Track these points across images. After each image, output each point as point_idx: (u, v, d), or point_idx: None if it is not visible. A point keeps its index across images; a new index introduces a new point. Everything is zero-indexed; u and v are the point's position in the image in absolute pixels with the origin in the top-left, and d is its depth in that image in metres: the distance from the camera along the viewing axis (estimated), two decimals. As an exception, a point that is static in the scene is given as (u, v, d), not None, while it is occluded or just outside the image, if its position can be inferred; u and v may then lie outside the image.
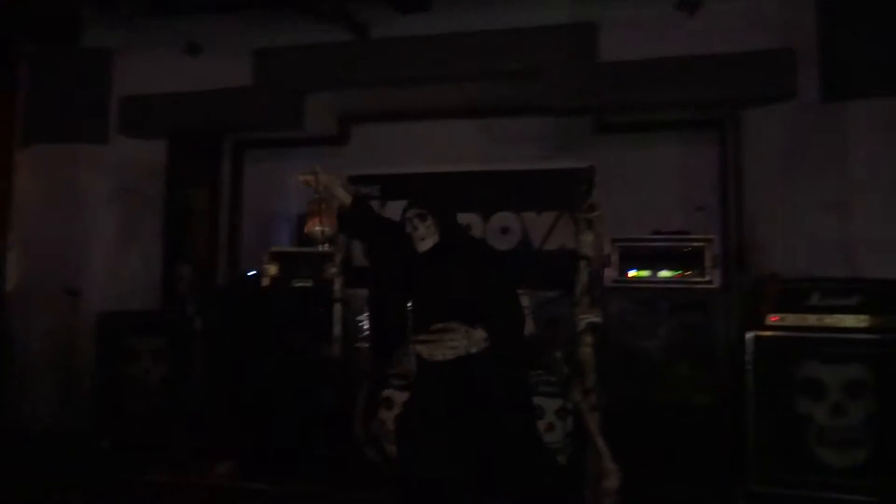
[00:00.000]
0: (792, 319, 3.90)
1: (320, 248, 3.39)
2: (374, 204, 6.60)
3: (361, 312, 5.35)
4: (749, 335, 3.88)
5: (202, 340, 4.88)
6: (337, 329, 5.54)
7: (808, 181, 4.64)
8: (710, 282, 4.10)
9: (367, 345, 5.30)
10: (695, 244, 4.16)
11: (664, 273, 4.18)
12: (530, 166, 6.26)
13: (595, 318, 2.15)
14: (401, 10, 5.34)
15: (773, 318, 3.92)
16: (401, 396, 4.56)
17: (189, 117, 5.76)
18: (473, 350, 2.45)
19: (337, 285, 5.67)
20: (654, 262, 4.22)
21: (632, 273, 4.21)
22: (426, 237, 2.89)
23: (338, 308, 5.58)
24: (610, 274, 4.19)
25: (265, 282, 5.62)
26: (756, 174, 4.99)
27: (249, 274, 6.06)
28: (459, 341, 2.43)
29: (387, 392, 4.63)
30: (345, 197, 2.96)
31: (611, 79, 5.10)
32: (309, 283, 5.60)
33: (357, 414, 4.62)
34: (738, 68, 4.87)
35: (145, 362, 4.94)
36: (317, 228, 3.20)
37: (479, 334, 2.45)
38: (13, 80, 5.81)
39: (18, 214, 5.71)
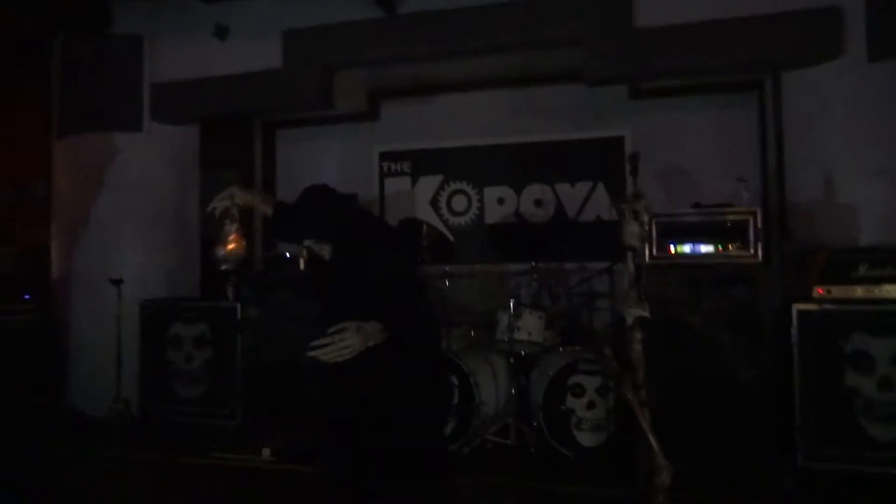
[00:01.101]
0: (838, 291, 3.80)
1: (223, 269, 3.48)
2: (406, 180, 6.63)
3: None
4: (795, 308, 3.79)
5: (242, 325, 4.94)
6: (374, 308, 5.59)
7: (854, 146, 4.47)
8: (753, 255, 4.01)
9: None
10: (738, 217, 4.06)
11: (705, 248, 4.09)
12: (562, 136, 6.18)
13: (643, 313, 2.10)
14: (428, -17, 5.23)
15: (819, 291, 3.82)
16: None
17: (220, 101, 5.75)
18: (371, 343, 2.53)
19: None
20: (694, 236, 4.13)
21: (672, 248, 4.13)
22: (323, 252, 2.90)
23: (374, 288, 5.62)
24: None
25: (302, 264, 5.67)
26: (798, 140, 4.82)
27: (285, 256, 6.12)
28: (352, 339, 2.51)
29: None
30: (267, 209, 3.00)
31: (647, 45, 4.93)
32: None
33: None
34: (779, 28, 4.67)
35: (188, 347, 5.03)
36: (228, 249, 3.26)
37: (374, 326, 2.53)
38: (47, 71, 5.85)
39: (59, 205, 5.80)
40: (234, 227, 3.25)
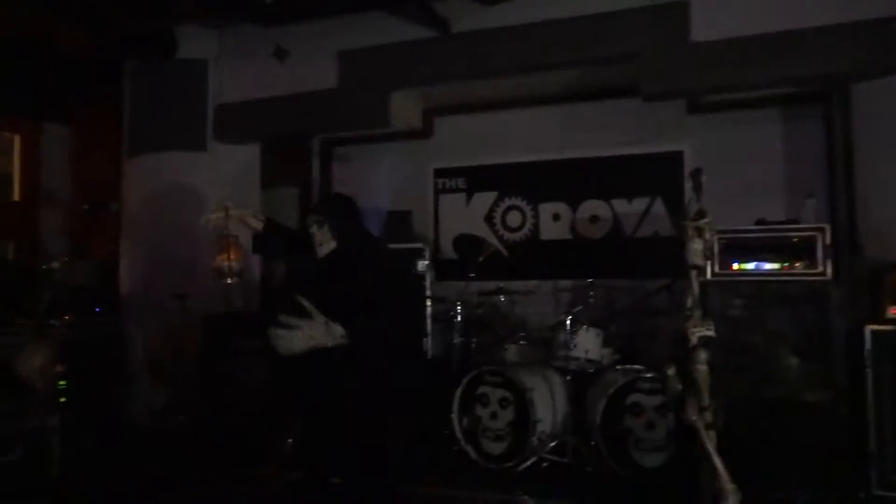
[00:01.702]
0: (916, 311, 3.64)
1: (228, 282, 3.63)
2: (460, 196, 6.66)
3: (453, 308, 5.38)
4: (868, 329, 3.65)
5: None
6: (429, 325, 5.63)
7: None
8: (822, 273, 3.87)
9: (459, 340, 5.34)
10: (805, 234, 3.93)
11: (770, 265, 3.98)
12: (619, 152, 6.11)
13: (708, 332, 2.06)
14: (483, 2, 5.28)
15: (893, 311, 3.67)
16: (496, 393, 4.59)
17: (279, 121, 5.92)
18: (330, 343, 2.64)
19: (428, 281, 5.75)
20: (759, 253, 4.03)
21: (735, 266, 4.03)
22: (323, 242, 3.03)
23: (429, 304, 5.66)
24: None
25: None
26: (868, 153, 4.65)
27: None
28: (318, 330, 2.61)
29: (483, 388, 4.65)
30: (258, 224, 3.11)
31: (703, 60, 4.87)
32: (401, 280, 5.68)
33: (454, 410, 4.67)
34: (844, 40, 4.54)
35: (249, 361, 5.14)
36: (225, 264, 3.40)
37: (338, 330, 2.64)
38: (119, 95, 6.13)
39: (128, 223, 6.04)
40: (228, 241, 3.42)
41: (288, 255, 3.45)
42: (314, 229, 3.02)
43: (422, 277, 5.74)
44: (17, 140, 6.87)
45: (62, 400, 4.44)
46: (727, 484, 2.01)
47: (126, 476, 4.59)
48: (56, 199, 6.78)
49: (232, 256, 3.50)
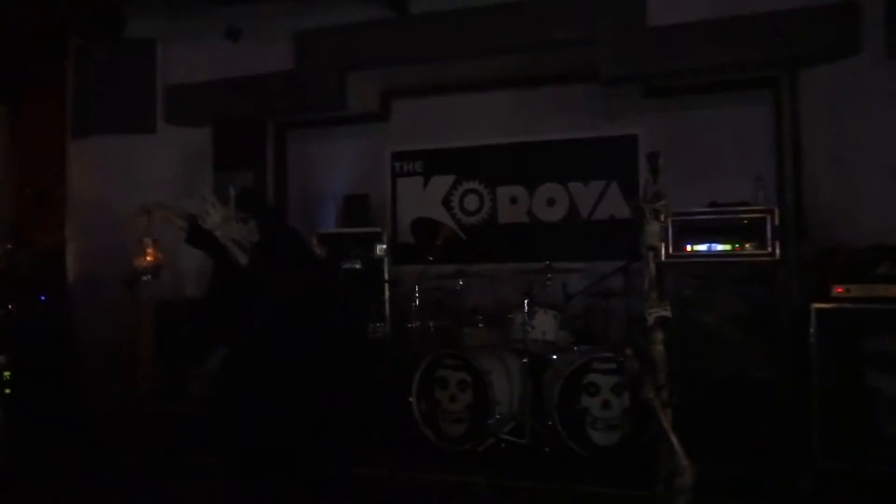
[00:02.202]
0: (858, 290, 3.76)
1: (144, 279, 3.77)
2: (418, 180, 6.62)
3: (411, 292, 5.37)
4: (813, 307, 3.77)
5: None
6: (387, 309, 5.61)
7: (873, 144, 4.43)
8: (771, 253, 3.97)
9: (417, 324, 5.33)
10: (754, 215, 4.03)
11: (721, 247, 4.06)
12: (575, 135, 6.16)
13: (665, 313, 2.09)
14: (440, -17, 5.23)
15: (838, 290, 3.79)
16: (455, 376, 4.60)
17: (232, 103, 5.79)
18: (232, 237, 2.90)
19: (386, 265, 5.72)
20: (711, 234, 4.10)
21: (688, 247, 4.10)
22: (244, 234, 3.21)
23: (387, 288, 5.64)
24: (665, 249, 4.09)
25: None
26: (816, 137, 4.78)
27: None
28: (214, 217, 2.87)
29: (441, 372, 4.66)
30: (183, 223, 3.21)
31: (660, 44, 4.92)
32: (358, 265, 5.64)
33: (412, 393, 4.67)
34: (795, 25, 4.64)
35: (204, 347, 5.04)
36: (143, 265, 3.49)
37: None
38: (62, 74, 5.89)
39: (74, 207, 5.84)
40: (150, 241, 3.47)
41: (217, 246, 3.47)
42: (236, 235, 3.12)
43: (380, 261, 5.71)
44: (-47, 122, 6.57)
45: (6, 391, 4.29)
46: (683, 460, 2.06)
47: (72, 466, 4.46)
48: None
49: (149, 258, 3.52)
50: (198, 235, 3.32)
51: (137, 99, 5.72)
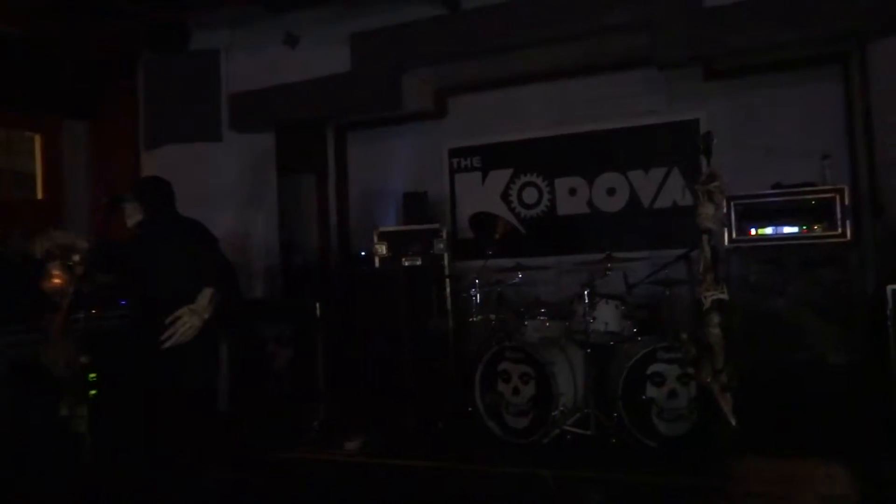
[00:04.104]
0: (938, 270, 3.58)
1: (57, 301, 3.97)
2: (476, 175, 6.65)
3: (471, 286, 5.40)
4: (890, 289, 3.60)
5: (322, 323, 5.07)
6: (448, 304, 5.66)
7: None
8: (841, 234, 3.82)
9: (478, 318, 5.36)
10: (822, 196, 3.88)
11: (789, 229, 3.93)
12: (633, 123, 6.06)
13: (721, 295, 2.05)
14: (491, -23, 5.23)
15: (916, 270, 3.61)
16: (517, 368, 4.61)
17: (293, 108, 5.94)
18: (206, 316, 3.30)
19: (446, 261, 5.77)
20: (777, 217, 3.98)
21: (753, 231, 3.99)
22: (131, 216, 3.84)
23: (448, 283, 5.69)
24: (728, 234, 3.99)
25: (376, 262, 5.79)
26: (887, 112, 4.55)
27: (361, 254, 6.26)
28: (191, 319, 3.25)
29: (504, 365, 4.68)
30: (84, 243, 3.47)
31: (717, 25, 4.77)
32: (418, 261, 5.72)
33: (476, 387, 4.70)
34: (860, -4, 4.44)
35: (271, 347, 5.21)
36: (53, 283, 3.64)
37: (203, 301, 3.31)
38: (133, 89, 6.20)
39: (149, 214, 6.11)
40: (56, 264, 3.63)
41: (122, 267, 4.10)
42: (125, 206, 3.85)
43: (440, 257, 5.77)
44: (37, 139, 6.97)
45: (92, 392, 4.52)
46: (743, 442, 2.02)
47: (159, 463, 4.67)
48: (77, 194, 6.89)
49: (56, 280, 3.74)
50: (103, 256, 3.79)
51: (204, 108, 5.94)
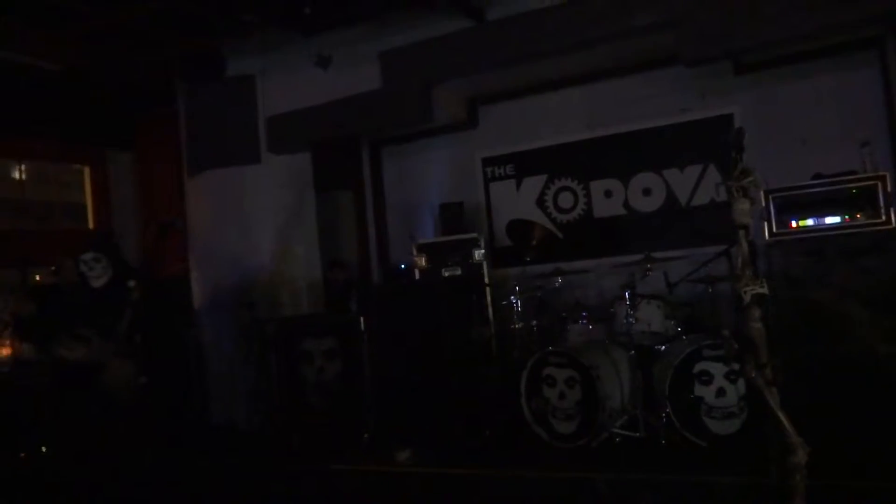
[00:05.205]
0: None
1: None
2: (510, 183, 6.69)
3: (512, 293, 5.43)
4: (938, 275, 3.52)
5: (367, 336, 5.15)
6: (490, 312, 5.69)
7: None
8: (886, 221, 3.75)
9: (520, 325, 5.39)
10: (864, 184, 3.82)
11: (830, 219, 3.88)
12: (666, 122, 6.04)
13: (760, 290, 2.05)
14: (515, -14, 5.29)
15: (964, 254, 3.53)
16: (562, 373, 4.62)
17: (327, 127, 6.07)
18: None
19: (485, 269, 5.82)
20: (818, 208, 3.92)
21: (794, 223, 3.94)
22: (102, 275, 4.56)
23: (488, 291, 5.73)
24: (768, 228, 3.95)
25: (417, 274, 5.86)
26: (929, 95, 4.47)
27: (401, 267, 6.35)
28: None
29: (548, 370, 4.69)
30: (32, 306, 3.80)
31: (743, 17, 4.74)
32: (458, 271, 5.77)
33: (521, 394, 4.72)
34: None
35: (319, 361, 5.31)
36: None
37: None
38: (175, 117, 6.42)
39: (194, 238, 6.32)
40: (6, 332, 3.79)
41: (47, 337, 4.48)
42: (92, 264, 4.49)
43: (479, 266, 5.81)
44: (86, 170, 7.27)
45: (148, 410, 4.71)
46: (794, 438, 2.01)
47: (216, 475, 4.81)
48: (126, 222, 7.16)
49: (7, 350, 4.03)
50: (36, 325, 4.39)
51: (242, 132, 6.12)
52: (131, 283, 4.63)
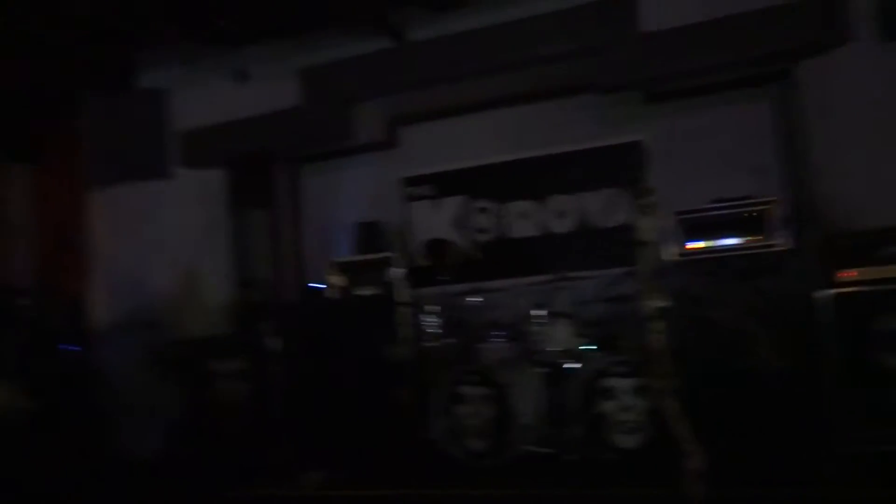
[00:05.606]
0: (868, 273, 3.75)
1: None
2: (430, 203, 6.71)
3: (428, 312, 5.42)
4: (824, 294, 3.75)
5: (278, 357, 5.02)
6: (405, 331, 5.65)
7: (870, 129, 4.44)
8: (778, 244, 3.98)
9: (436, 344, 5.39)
10: (759, 208, 4.05)
11: (729, 241, 4.08)
12: (581, 146, 6.22)
13: (662, 303, 2.13)
14: (434, 9, 5.37)
15: (846, 274, 3.78)
16: (476, 391, 4.63)
17: (244, 143, 5.96)
18: None
19: (402, 288, 5.78)
20: (718, 230, 4.12)
21: (696, 244, 4.12)
22: None
23: (404, 311, 5.69)
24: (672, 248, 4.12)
25: (332, 293, 5.77)
26: (815, 127, 4.79)
27: (316, 287, 6.23)
28: None
29: (462, 389, 4.69)
30: None
31: (654, 50, 4.99)
32: (374, 290, 5.71)
33: (435, 412, 4.70)
34: (785, 20, 4.69)
35: (226, 383, 5.13)
36: None
37: None
38: (77, 128, 6.13)
39: (95, 255, 6.02)
40: None
41: None
42: None
43: (396, 285, 5.77)
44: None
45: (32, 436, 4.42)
46: (692, 445, 2.07)
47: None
48: (22, 237, 6.74)
49: None
50: None
51: (152, 146, 5.93)
52: (23, 302, 4.36)
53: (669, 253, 4.04)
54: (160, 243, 5.84)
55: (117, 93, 5.89)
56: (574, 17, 5.18)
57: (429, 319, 5.39)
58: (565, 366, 4.77)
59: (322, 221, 6.91)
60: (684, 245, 4.08)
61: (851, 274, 3.72)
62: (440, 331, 5.37)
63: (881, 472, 3.48)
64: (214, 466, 5.01)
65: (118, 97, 5.92)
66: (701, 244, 4.09)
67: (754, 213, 4.04)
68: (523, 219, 6.35)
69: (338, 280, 5.78)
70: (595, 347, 4.87)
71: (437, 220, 6.61)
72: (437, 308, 5.42)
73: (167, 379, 5.28)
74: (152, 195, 5.90)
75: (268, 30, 5.50)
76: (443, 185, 6.67)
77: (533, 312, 4.84)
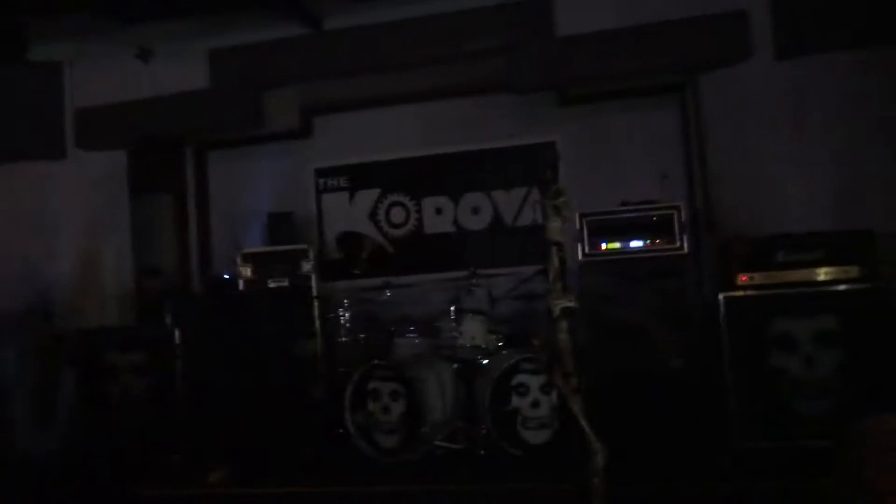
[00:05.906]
0: (761, 277, 3.96)
1: None
2: (343, 195, 6.63)
3: (340, 306, 5.36)
4: (721, 296, 3.95)
5: (182, 350, 4.82)
6: (317, 325, 5.58)
7: (768, 140, 4.72)
8: (680, 248, 4.17)
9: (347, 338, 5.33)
10: (662, 212, 4.22)
11: (635, 243, 4.24)
12: (496, 145, 6.31)
13: (569, 303, 2.19)
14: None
15: (742, 278, 3.99)
16: (387, 387, 4.61)
17: (147, 125, 5.67)
18: None
19: (313, 281, 5.69)
20: (624, 232, 4.28)
21: (603, 246, 4.26)
22: None
23: (316, 304, 5.61)
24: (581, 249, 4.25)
25: (241, 284, 5.60)
26: (718, 137, 5.06)
27: (224, 277, 6.04)
28: None
29: (373, 384, 4.66)
30: None
31: (568, 53, 5.10)
32: (285, 282, 5.60)
33: (345, 408, 4.65)
34: (692, 33, 4.91)
35: (125, 377, 4.88)
36: None
37: None
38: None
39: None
40: None
41: None
42: None
43: (307, 278, 5.68)
44: None
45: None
46: (594, 443, 2.15)
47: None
48: None
49: None
50: None
51: (45, 124, 5.54)
52: None
53: (581, 253, 4.16)
54: (56, 229, 5.48)
55: (7, 65, 5.46)
56: (492, 16, 5.23)
57: (341, 313, 5.33)
58: (477, 362, 4.83)
59: (232, 210, 6.70)
60: (595, 245, 4.21)
61: (748, 278, 3.92)
62: (353, 325, 5.32)
63: (774, 465, 3.71)
64: (114, 464, 4.76)
65: (8, 70, 5.49)
66: (610, 245, 4.22)
67: (658, 218, 4.20)
68: (438, 214, 6.38)
69: (247, 271, 5.63)
70: (507, 344, 4.96)
71: (351, 212, 6.55)
72: (350, 302, 5.36)
73: (64, 373, 4.96)
74: (47, 176, 5.52)
75: (175, 6, 5.23)
76: (358, 177, 6.61)
77: (445, 308, 4.86)
